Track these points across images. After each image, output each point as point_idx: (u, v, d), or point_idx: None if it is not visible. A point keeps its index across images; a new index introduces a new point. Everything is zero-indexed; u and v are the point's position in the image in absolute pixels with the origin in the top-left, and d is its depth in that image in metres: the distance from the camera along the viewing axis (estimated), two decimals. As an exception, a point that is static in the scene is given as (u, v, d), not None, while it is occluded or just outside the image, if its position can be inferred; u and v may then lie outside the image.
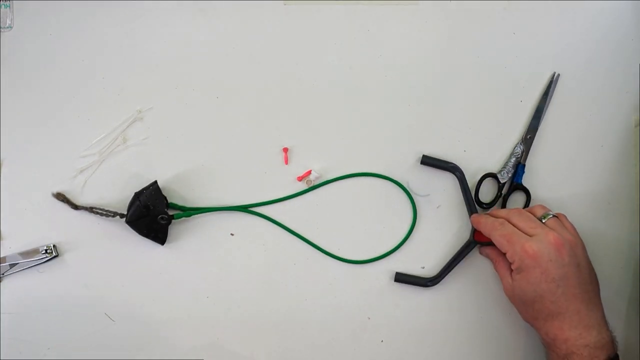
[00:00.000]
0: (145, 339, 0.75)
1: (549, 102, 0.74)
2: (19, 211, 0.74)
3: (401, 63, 0.75)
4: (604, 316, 0.56)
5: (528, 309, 0.55)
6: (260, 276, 0.74)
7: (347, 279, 0.74)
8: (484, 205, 0.73)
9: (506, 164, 0.73)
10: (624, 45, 0.75)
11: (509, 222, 0.58)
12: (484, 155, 0.74)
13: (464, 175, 0.72)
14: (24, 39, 0.75)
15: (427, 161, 0.72)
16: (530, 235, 0.54)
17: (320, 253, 0.74)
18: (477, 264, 0.73)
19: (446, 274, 0.71)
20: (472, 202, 0.69)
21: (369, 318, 0.74)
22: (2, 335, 0.73)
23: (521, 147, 0.73)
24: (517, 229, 0.56)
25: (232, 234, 0.74)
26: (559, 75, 0.74)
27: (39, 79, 0.75)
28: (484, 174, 0.73)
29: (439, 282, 0.72)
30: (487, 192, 0.74)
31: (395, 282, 0.73)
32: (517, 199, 0.74)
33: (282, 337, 0.75)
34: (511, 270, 0.57)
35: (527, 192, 0.73)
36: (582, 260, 0.55)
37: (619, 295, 0.74)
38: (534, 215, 0.60)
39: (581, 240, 0.60)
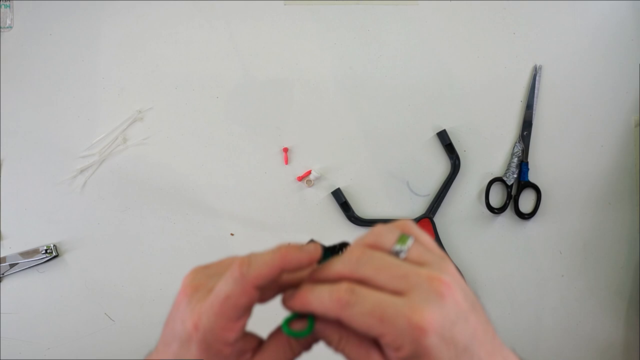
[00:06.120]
0: (145, 339, 0.75)
1: (537, 96, 0.74)
2: (19, 211, 0.74)
3: (401, 63, 0.75)
4: (508, 349, 0.34)
5: None
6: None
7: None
8: (496, 211, 0.73)
9: (509, 164, 0.74)
10: (624, 45, 0.75)
11: (357, 279, 0.31)
12: (484, 155, 0.75)
13: None
14: (24, 39, 0.75)
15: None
16: (403, 294, 0.30)
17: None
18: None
19: None
20: None
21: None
22: (2, 335, 0.73)
23: (520, 145, 0.73)
24: (377, 288, 0.30)
25: (232, 234, 0.74)
26: (541, 66, 0.74)
27: (39, 79, 0.75)
28: (490, 179, 0.73)
29: None
30: (495, 196, 0.74)
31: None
32: (528, 196, 0.74)
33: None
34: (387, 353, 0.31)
35: (536, 189, 0.73)
36: (470, 294, 0.32)
37: (619, 295, 0.74)
38: (385, 250, 0.32)
39: (450, 259, 0.37)
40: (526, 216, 0.73)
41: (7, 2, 0.75)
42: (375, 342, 0.32)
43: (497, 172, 0.74)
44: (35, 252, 0.73)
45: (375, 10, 0.75)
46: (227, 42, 0.75)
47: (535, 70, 0.74)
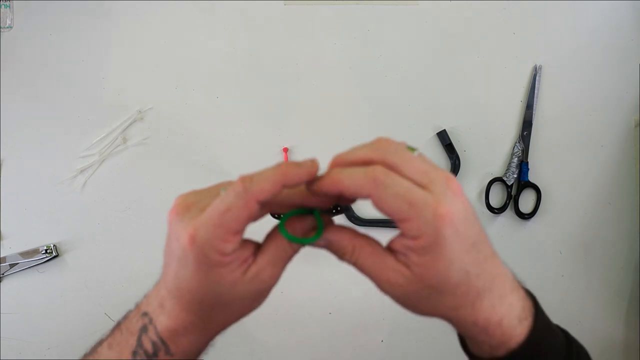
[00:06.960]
0: (145, 339, 0.75)
1: (537, 96, 0.74)
2: (19, 211, 0.74)
3: (401, 63, 0.75)
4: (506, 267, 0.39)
5: (446, 299, 0.34)
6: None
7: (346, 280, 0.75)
8: (496, 211, 0.73)
9: (509, 164, 0.74)
10: (624, 45, 0.75)
11: (386, 165, 0.33)
12: (484, 155, 0.74)
13: None
14: (24, 39, 0.75)
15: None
16: (425, 188, 0.32)
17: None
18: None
19: None
20: None
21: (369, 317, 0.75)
22: (2, 335, 0.73)
23: (520, 145, 0.74)
24: (405, 178, 0.32)
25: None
26: (541, 66, 0.74)
27: (39, 79, 0.75)
28: (490, 179, 0.73)
29: None
30: (495, 196, 0.74)
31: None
32: (528, 196, 0.74)
33: (282, 334, 0.75)
34: (402, 253, 0.33)
35: (536, 189, 0.73)
36: (471, 205, 0.35)
37: (619, 295, 0.74)
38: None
39: None
40: (526, 216, 0.73)
41: (7, 2, 0.75)
42: (388, 249, 0.34)
43: (497, 172, 0.74)
44: (35, 252, 0.73)
45: (375, 10, 0.75)
46: (227, 42, 0.75)
47: (535, 70, 0.74)
